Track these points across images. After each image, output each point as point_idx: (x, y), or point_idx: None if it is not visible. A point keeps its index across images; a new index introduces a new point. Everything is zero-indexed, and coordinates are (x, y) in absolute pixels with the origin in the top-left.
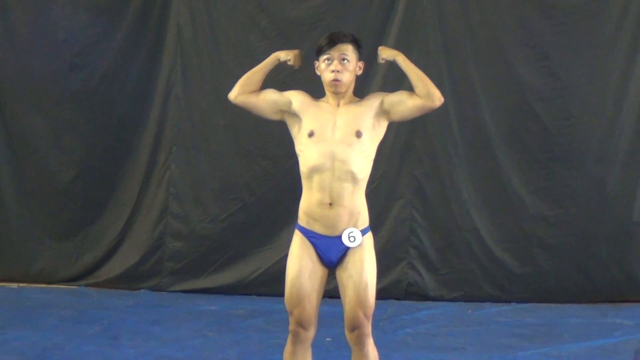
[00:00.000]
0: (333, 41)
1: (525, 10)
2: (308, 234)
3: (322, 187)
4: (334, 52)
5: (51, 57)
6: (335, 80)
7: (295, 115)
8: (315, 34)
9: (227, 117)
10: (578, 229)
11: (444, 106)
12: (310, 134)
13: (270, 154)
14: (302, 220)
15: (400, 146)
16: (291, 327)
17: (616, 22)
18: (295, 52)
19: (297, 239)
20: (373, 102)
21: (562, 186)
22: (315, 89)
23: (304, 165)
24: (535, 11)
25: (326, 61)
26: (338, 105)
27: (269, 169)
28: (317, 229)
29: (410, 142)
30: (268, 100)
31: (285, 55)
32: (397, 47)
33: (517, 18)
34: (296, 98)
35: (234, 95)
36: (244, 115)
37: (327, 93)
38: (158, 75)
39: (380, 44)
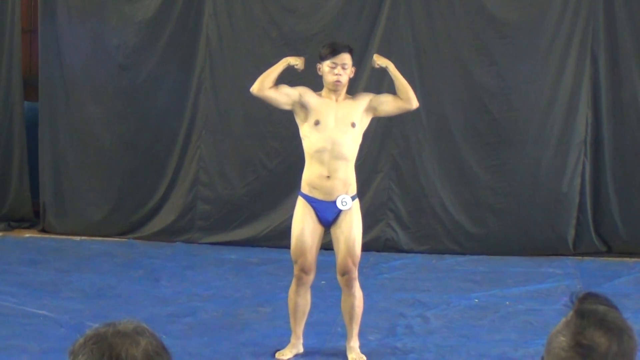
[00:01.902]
0: (337, 50)
1: (479, 26)
2: (309, 200)
3: (322, 164)
4: (337, 60)
5: (106, 60)
6: (337, 82)
7: (303, 106)
8: (314, 43)
9: (245, 108)
10: (519, 197)
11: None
12: (316, 123)
13: (279, 136)
14: (304, 189)
15: (381, 131)
16: (296, 272)
17: (551, 36)
18: (302, 58)
19: (300, 203)
20: (364, 100)
21: (507, 164)
22: (315, 87)
23: (309, 147)
24: (487, 26)
25: (330, 67)
26: (336, 100)
27: (278, 148)
28: (317, 195)
29: (389, 128)
30: (282, 94)
31: (294, 61)
32: (379, 53)
33: (473, 32)
34: (305, 92)
35: (256, 89)
36: (259, 106)
37: (327, 90)
38: (191, 74)
39: (367, 52)
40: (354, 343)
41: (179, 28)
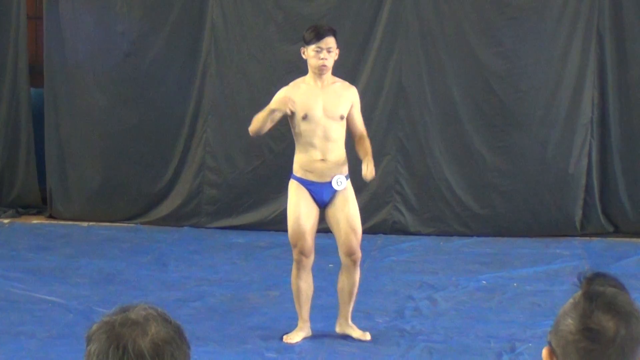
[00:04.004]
0: (321, 34)
1: (485, 7)
2: (304, 182)
3: (314, 147)
4: (322, 44)
5: (111, 46)
6: (323, 66)
7: (291, 111)
8: None
9: (251, 92)
10: (526, 178)
11: (421, 82)
12: (304, 117)
13: (285, 121)
14: (297, 172)
15: (387, 114)
16: (295, 257)
17: (557, 17)
18: (284, 100)
19: (294, 187)
20: (349, 97)
21: (514, 145)
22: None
23: (301, 137)
24: (493, 8)
25: (315, 51)
26: (322, 87)
27: (284, 132)
28: (312, 178)
29: (395, 111)
30: (274, 122)
31: (276, 106)
32: (384, 36)
33: (478, 13)
34: (288, 100)
35: (252, 134)
36: (265, 90)
37: (312, 75)
38: (197, 59)
39: (372, 34)
40: (351, 321)
41: (184, 13)
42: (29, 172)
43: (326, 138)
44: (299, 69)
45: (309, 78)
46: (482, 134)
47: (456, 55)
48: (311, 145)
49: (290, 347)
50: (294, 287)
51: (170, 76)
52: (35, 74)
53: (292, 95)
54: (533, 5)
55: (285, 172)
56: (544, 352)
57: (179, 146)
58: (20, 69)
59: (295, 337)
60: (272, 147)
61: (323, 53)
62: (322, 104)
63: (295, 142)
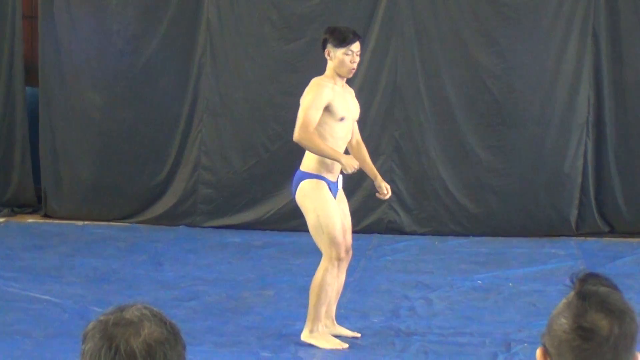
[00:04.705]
0: (353, 39)
1: (480, 7)
2: (328, 181)
3: (339, 148)
4: (353, 48)
5: (106, 45)
6: (353, 69)
7: (327, 108)
8: (315, 26)
9: (246, 91)
10: (522, 178)
11: (416, 82)
12: (342, 119)
13: (280, 120)
14: (320, 171)
15: (383, 113)
16: (341, 255)
17: (552, 16)
18: (352, 164)
19: (323, 187)
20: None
21: (509, 145)
22: (318, 71)
23: (331, 138)
24: (488, 7)
25: (347, 54)
26: (342, 87)
27: (280, 131)
28: (330, 177)
29: (390, 110)
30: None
31: (345, 163)
32: (379, 35)
33: (474, 13)
34: (326, 98)
35: (297, 139)
36: (260, 89)
37: (333, 76)
38: (192, 58)
39: (367, 34)
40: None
41: (179, 12)
42: (24, 171)
43: (347, 139)
44: (294, 67)
45: (330, 79)
46: (477, 134)
47: (451, 54)
48: (337, 145)
49: (285, 346)
50: (329, 289)
51: (165, 75)
52: (31, 73)
53: (329, 91)
54: (529, 4)
55: (280, 172)
56: (538, 352)
57: (174, 145)
58: (15, 68)
59: (334, 340)
60: (268, 146)
61: (353, 56)
62: (349, 107)
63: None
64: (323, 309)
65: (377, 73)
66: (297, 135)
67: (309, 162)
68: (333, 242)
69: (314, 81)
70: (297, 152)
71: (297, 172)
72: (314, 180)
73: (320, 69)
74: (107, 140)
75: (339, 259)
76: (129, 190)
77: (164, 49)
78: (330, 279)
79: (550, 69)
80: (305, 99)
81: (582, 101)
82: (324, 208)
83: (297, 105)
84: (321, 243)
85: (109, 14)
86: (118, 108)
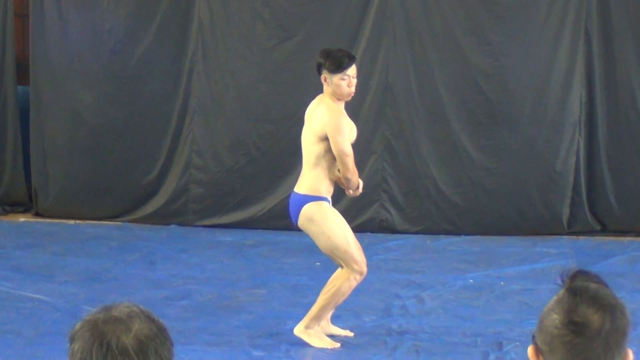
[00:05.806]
0: (349, 63)
1: (472, 6)
2: (327, 200)
3: (337, 169)
4: (350, 72)
5: (97, 44)
6: (351, 93)
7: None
8: (307, 25)
9: (237, 90)
10: (514, 177)
11: (408, 81)
12: (352, 144)
13: (272, 119)
14: (320, 192)
15: (374, 112)
16: (364, 269)
17: (544, 15)
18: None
19: (328, 207)
20: None
21: (501, 144)
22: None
23: (338, 160)
24: (480, 6)
25: (343, 79)
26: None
27: (271, 130)
28: (328, 196)
29: (382, 109)
30: None
31: (355, 188)
32: (371, 35)
33: (466, 12)
34: (348, 128)
35: (349, 177)
36: (252, 89)
37: (336, 99)
38: (184, 57)
39: (359, 33)
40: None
41: (171, 11)
42: (16, 170)
43: None
44: (286, 67)
45: (337, 102)
46: (469, 133)
47: (443, 53)
48: (336, 166)
49: (277, 345)
50: (341, 297)
51: (156, 74)
52: (23, 72)
53: (350, 132)
54: (521, 3)
55: (272, 171)
56: (530, 350)
57: (165, 144)
58: (7, 67)
59: (327, 340)
60: (259, 145)
61: (349, 80)
62: (354, 129)
63: (325, 163)
64: (329, 314)
65: (369, 72)
66: (349, 174)
67: (308, 183)
68: (352, 259)
69: (331, 105)
70: (289, 151)
71: (294, 195)
72: (316, 203)
73: (311, 68)
74: (99, 139)
75: (362, 274)
76: (121, 189)
77: (155, 48)
78: (347, 290)
79: (543, 68)
80: (338, 132)
81: (574, 100)
82: (332, 228)
83: (289, 103)
84: (341, 261)
85: (100, 13)
86: (109, 107)
